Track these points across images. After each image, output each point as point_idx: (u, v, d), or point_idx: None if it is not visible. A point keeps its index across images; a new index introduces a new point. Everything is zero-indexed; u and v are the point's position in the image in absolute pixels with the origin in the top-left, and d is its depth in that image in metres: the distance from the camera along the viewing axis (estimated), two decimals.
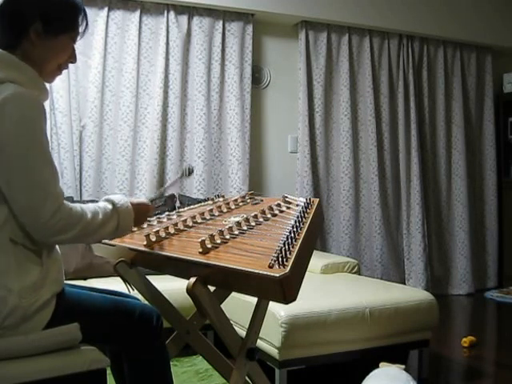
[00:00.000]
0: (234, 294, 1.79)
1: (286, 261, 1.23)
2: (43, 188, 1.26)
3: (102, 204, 1.41)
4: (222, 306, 1.52)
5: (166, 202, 3.38)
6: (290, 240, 1.37)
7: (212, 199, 2.12)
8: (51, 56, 1.41)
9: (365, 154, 4.47)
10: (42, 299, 1.32)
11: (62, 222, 1.27)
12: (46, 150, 1.30)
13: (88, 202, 3.32)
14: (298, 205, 1.77)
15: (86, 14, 1.47)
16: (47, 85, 1.45)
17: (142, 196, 3.73)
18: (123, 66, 3.73)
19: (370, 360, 2.27)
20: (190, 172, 1.97)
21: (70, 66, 1.57)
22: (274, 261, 1.23)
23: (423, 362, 2.65)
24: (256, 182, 4.17)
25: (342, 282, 2.96)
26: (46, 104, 3.53)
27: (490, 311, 4.34)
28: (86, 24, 1.48)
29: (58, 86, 3.45)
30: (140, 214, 1.50)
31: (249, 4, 3.98)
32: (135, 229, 1.75)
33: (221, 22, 3.98)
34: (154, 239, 1.58)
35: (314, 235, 1.70)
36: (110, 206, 1.40)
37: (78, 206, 1.33)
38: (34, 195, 1.25)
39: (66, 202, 1.30)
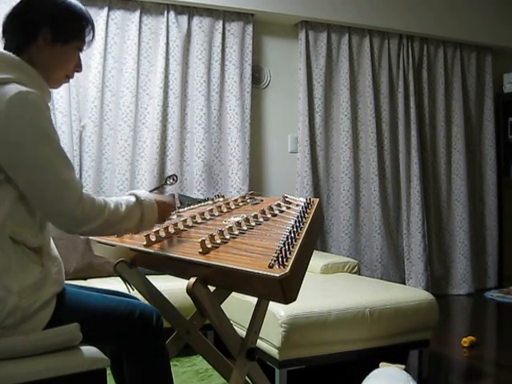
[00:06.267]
0: (233, 293, 1.79)
1: (286, 261, 1.23)
2: (61, 183, 1.27)
3: (125, 197, 1.44)
4: (222, 306, 1.52)
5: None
6: (290, 240, 1.37)
7: (212, 199, 2.12)
8: (57, 64, 1.44)
9: (365, 154, 4.47)
10: (42, 299, 1.32)
11: (86, 211, 1.28)
12: (58, 146, 1.31)
13: None
14: (298, 205, 1.77)
15: (93, 26, 1.50)
16: None
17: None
18: (123, 65, 3.73)
19: (369, 360, 2.27)
20: (175, 181, 1.96)
21: None
22: (274, 261, 1.23)
23: (423, 362, 2.65)
24: (256, 182, 4.17)
25: (342, 282, 2.95)
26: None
27: (490, 311, 4.34)
28: (93, 36, 1.51)
29: (59, 88, 3.44)
30: (164, 209, 1.52)
31: (249, 4, 3.98)
32: (158, 226, 1.75)
33: (221, 22, 3.98)
34: (153, 239, 1.58)
35: (314, 235, 1.69)
36: (133, 199, 1.43)
37: (100, 197, 1.35)
38: (53, 192, 1.26)
39: (85, 192, 1.31)
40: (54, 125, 1.34)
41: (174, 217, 1.90)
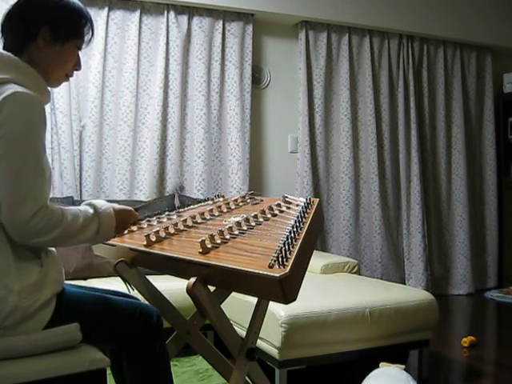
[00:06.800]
0: (233, 293, 1.79)
1: (286, 261, 1.23)
2: (26, 189, 1.25)
3: (83, 208, 1.40)
4: (222, 306, 1.52)
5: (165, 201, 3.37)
6: (290, 240, 1.37)
7: (212, 199, 2.12)
8: (57, 63, 1.45)
9: (365, 154, 4.47)
10: (42, 299, 1.32)
11: (42, 223, 1.26)
12: (39, 152, 1.29)
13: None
14: (298, 205, 1.77)
15: (92, 25, 1.50)
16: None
17: (142, 196, 3.73)
18: (123, 65, 3.73)
19: (369, 360, 2.27)
20: (181, 189, 1.97)
21: None
22: (274, 261, 1.23)
23: (423, 362, 2.65)
24: (256, 182, 4.17)
25: (342, 282, 2.95)
26: (47, 104, 3.55)
27: (489, 311, 4.34)
28: (92, 34, 1.51)
29: (59, 86, 3.45)
30: (122, 220, 1.48)
31: (249, 4, 3.98)
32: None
33: (221, 22, 3.99)
34: (153, 239, 1.57)
35: (314, 235, 1.69)
36: (91, 211, 1.40)
37: (58, 208, 1.32)
38: (16, 195, 1.25)
39: (48, 204, 1.29)
40: (44, 131, 1.32)
41: (174, 217, 1.90)
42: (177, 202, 3.56)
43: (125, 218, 1.51)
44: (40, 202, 1.26)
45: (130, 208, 1.55)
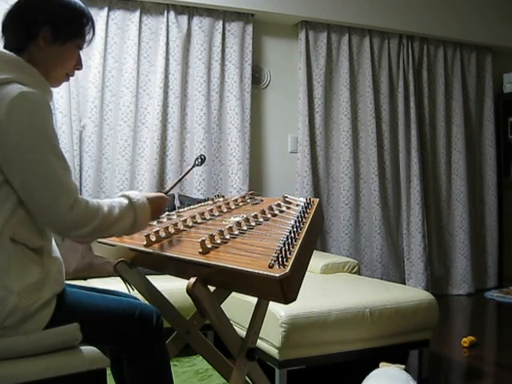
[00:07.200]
0: (233, 293, 1.79)
1: (286, 261, 1.23)
2: (57, 185, 1.27)
3: (117, 199, 1.43)
4: (222, 306, 1.52)
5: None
6: (290, 240, 1.37)
7: (212, 199, 2.12)
8: (57, 62, 1.45)
9: (365, 154, 4.47)
10: (43, 299, 1.32)
11: (80, 216, 1.28)
12: (57, 148, 1.31)
13: None
14: (298, 205, 1.77)
15: (93, 24, 1.50)
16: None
17: None
18: (123, 65, 3.73)
19: (369, 360, 2.27)
20: (203, 161, 1.98)
21: None
22: (274, 261, 1.23)
23: (423, 362, 2.65)
24: (256, 182, 4.17)
25: (342, 282, 2.95)
26: None
27: (490, 311, 4.34)
28: (93, 33, 1.50)
29: (59, 86, 3.44)
30: (156, 207, 1.51)
31: (249, 4, 3.98)
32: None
33: (221, 22, 3.99)
34: (153, 239, 1.58)
35: (314, 235, 1.69)
36: (125, 201, 1.42)
37: (93, 200, 1.34)
38: (49, 193, 1.26)
39: (80, 196, 1.31)
40: (54, 127, 1.34)
41: (174, 217, 1.90)
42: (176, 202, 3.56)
43: (159, 205, 1.53)
44: (73, 195, 1.28)
45: (161, 194, 1.57)
